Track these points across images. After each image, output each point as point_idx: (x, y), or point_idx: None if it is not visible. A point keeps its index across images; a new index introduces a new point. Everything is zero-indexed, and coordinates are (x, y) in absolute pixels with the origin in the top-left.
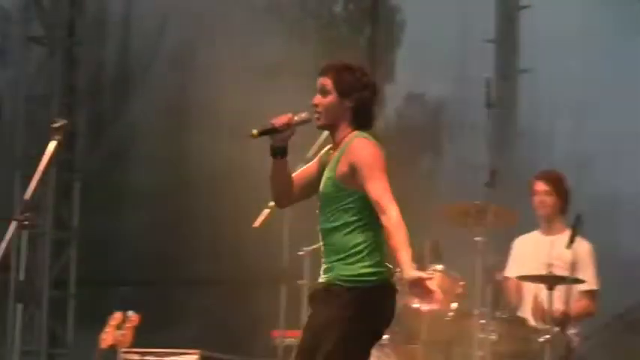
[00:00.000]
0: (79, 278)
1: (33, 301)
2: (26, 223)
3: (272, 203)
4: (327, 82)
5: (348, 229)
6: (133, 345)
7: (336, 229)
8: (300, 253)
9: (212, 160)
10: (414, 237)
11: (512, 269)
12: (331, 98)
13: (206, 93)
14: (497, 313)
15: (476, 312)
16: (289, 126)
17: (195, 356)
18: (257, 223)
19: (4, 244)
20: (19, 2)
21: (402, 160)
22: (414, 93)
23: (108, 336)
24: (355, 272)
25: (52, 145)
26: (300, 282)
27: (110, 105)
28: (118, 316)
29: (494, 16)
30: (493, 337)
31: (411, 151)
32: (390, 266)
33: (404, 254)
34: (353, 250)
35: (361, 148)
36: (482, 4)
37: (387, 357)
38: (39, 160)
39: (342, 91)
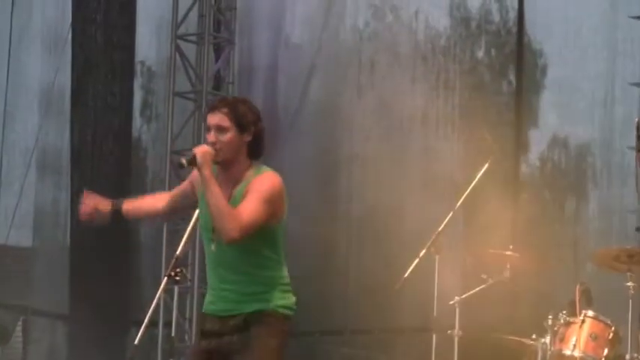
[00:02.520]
0: None
1: (182, 357)
2: (177, 278)
3: (422, 253)
4: (223, 119)
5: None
6: None
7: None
8: (451, 302)
9: (361, 209)
10: (565, 283)
11: None
12: (231, 135)
13: (352, 141)
14: None
15: (628, 357)
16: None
17: None
18: (407, 274)
19: (155, 299)
20: (164, 57)
21: (546, 205)
22: (559, 137)
23: None
24: None
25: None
26: (450, 332)
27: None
28: None
29: None
30: None
31: (556, 195)
32: None
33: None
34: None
35: (267, 180)
36: (628, 46)
37: None
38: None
39: (241, 126)
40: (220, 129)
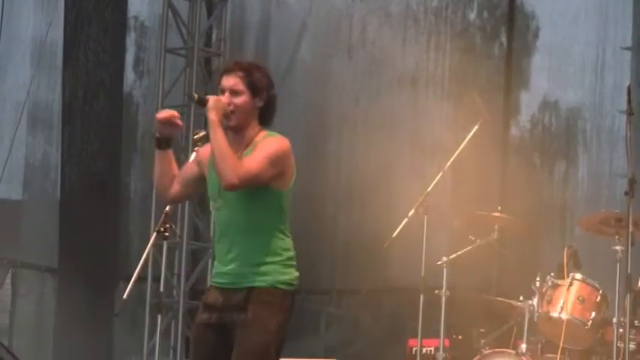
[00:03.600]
0: None
1: (170, 312)
2: (166, 234)
3: (411, 213)
4: (237, 82)
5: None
6: None
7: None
8: (439, 262)
9: (350, 170)
10: (553, 246)
11: None
12: (244, 98)
13: (342, 103)
14: (637, 322)
15: (615, 321)
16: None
17: None
18: (395, 233)
19: (144, 255)
20: (157, 14)
21: (536, 169)
22: (549, 100)
23: None
24: None
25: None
26: (437, 291)
27: None
28: None
29: (632, 22)
30: (632, 346)
31: (546, 159)
32: None
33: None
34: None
35: (274, 141)
36: (619, 11)
37: None
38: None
39: (255, 91)
40: (234, 92)
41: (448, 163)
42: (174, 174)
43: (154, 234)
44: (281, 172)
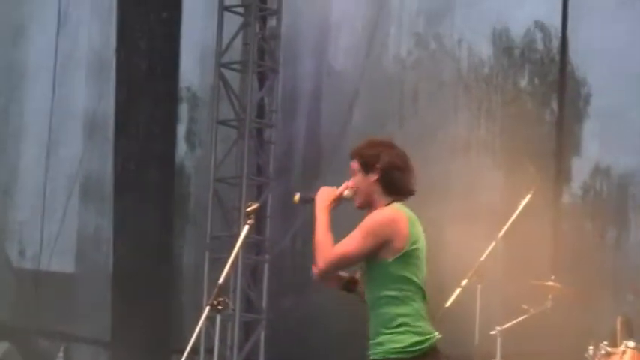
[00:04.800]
0: None
1: None
2: (220, 307)
3: (464, 282)
4: (354, 164)
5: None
6: None
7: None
8: (492, 332)
9: None
10: (606, 313)
11: None
12: (358, 177)
13: None
14: None
15: None
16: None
17: None
18: (449, 303)
19: (197, 328)
20: (209, 85)
21: (588, 235)
22: (601, 166)
23: None
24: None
25: (245, 230)
26: None
27: (300, 185)
28: None
29: None
30: None
31: (597, 225)
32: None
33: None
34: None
35: (376, 213)
36: None
37: None
38: (226, 241)
39: (365, 167)
40: (353, 173)
41: (501, 232)
42: None
43: (207, 307)
44: (385, 242)
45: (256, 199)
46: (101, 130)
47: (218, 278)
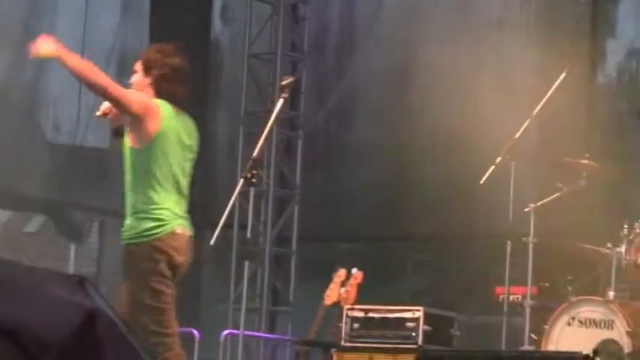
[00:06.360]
0: (301, 235)
1: (256, 259)
2: (253, 180)
3: (498, 160)
4: (137, 64)
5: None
6: (356, 302)
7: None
8: (526, 209)
9: (434, 117)
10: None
11: None
12: (138, 76)
13: (426, 48)
14: None
15: None
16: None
17: (419, 312)
18: (483, 180)
19: (230, 202)
20: None
21: (622, 115)
22: (636, 48)
23: (332, 293)
24: None
25: (279, 103)
26: (524, 238)
27: (334, 62)
28: (342, 273)
29: None
30: None
31: (632, 106)
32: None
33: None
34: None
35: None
36: None
37: (613, 314)
38: (260, 116)
39: (145, 68)
40: (133, 71)
41: (536, 110)
42: None
43: (241, 181)
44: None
45: (291, 75)
46: (137, 2)
47: (252, 153)
